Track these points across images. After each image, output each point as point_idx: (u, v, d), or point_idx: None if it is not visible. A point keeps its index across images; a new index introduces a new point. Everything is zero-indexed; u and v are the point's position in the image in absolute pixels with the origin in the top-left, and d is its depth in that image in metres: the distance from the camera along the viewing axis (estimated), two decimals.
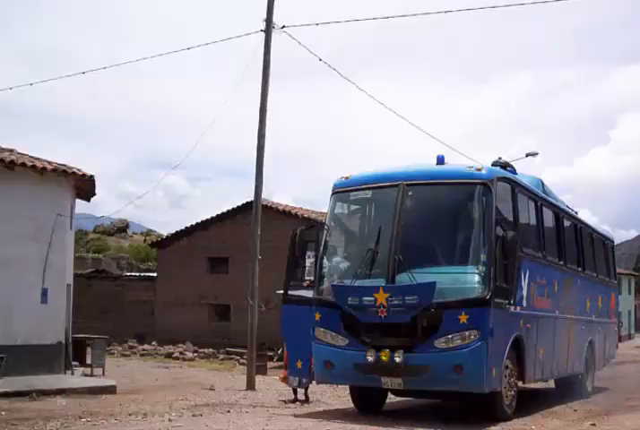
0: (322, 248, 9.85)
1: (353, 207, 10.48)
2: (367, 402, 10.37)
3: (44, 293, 14.45)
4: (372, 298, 8.80)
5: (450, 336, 8.64)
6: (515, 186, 10.05)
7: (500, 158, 11.01)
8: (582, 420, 9.73)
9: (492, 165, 10.39)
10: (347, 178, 10.16)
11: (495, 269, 8.77)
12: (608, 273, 15.87)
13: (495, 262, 8.78)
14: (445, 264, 9.10)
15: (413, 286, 8.68)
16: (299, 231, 10.13)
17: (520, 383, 10.02)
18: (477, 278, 8.81)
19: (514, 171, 10.91)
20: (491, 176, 9.34)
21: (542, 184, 12.11)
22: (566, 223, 12.77)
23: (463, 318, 8.58)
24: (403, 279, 8.80)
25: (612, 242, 16.82)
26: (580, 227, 13.59)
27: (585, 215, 18.98)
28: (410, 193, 9.37)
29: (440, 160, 9.87)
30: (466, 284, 8.84)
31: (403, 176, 9.51)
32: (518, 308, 9.56)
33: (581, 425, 9.25)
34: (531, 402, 11.12)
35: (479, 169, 9.39)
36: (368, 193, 10.01)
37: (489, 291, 8.68)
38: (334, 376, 9.78)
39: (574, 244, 13.05)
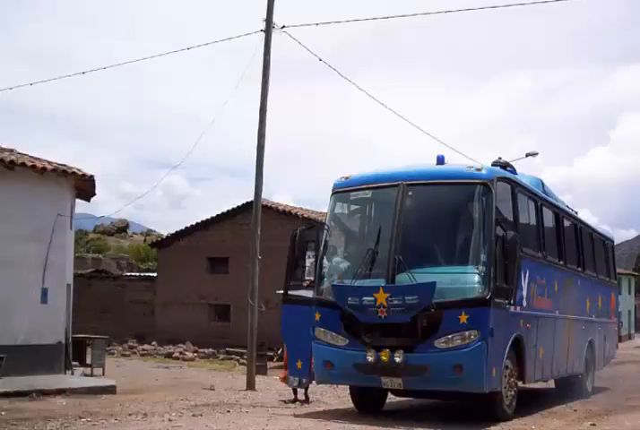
0: (322, 248, 9.85)
1: (353, 207, 10.48)
2: (367, 402, 10.37)
3: (44, 293, 14.44)
4: (372, 298, 8.80)
5: (450, 336, 8.65)
6: (515, 186, 10.05)
7: (500, 158, 11.02)
8: (582, 420, 9.73)
9: (492, 165, 10.39)
10: (347, 178, 10.16)
11: (495, 269, 8.77)
12: (608, 273, 15.87)
13: (495, 262, 8.78)
14: (445, 264, 9.10)
15: (413, 286, 8.68)
16: (299, 231, 10.14)
17: (520, 383, 10.02)
18: (477, 278, 8.81)
19: (514, 171, 10.91)
20: (491, 176, 9.34)
21: (542, 184, 12.12)
22: (566, 223, 12.77)
23: (463, 318, 8.58)
24: (403, 279, 8.80)
25: (612, 242, 16.82)
26: (580, 227, 13.59)
27: (585, 215, 18.98)
28: (410, 193, 9.37)
29: (440, 160, 9.89)
30: (466, 284, 8.84)
31: (403, 176, 9.51)
32: (518, 308, 9.55)
33: (581, 425, 9.26)
34: (531, 402, 11.12)
35: (479, 169, 9.39)
36: (368, 193, 10.02)
37: (489, 291, 8.69)
38: (334, 376, 9.79)
39: (574, 244, 13.05)
